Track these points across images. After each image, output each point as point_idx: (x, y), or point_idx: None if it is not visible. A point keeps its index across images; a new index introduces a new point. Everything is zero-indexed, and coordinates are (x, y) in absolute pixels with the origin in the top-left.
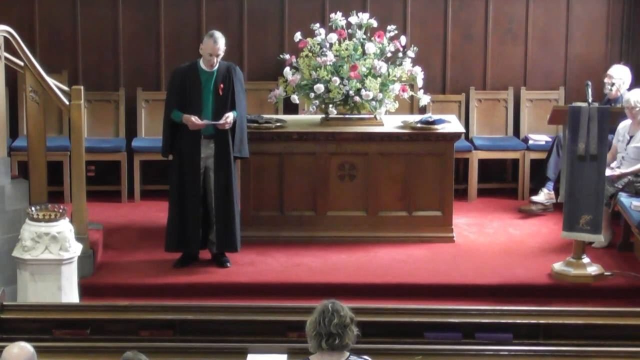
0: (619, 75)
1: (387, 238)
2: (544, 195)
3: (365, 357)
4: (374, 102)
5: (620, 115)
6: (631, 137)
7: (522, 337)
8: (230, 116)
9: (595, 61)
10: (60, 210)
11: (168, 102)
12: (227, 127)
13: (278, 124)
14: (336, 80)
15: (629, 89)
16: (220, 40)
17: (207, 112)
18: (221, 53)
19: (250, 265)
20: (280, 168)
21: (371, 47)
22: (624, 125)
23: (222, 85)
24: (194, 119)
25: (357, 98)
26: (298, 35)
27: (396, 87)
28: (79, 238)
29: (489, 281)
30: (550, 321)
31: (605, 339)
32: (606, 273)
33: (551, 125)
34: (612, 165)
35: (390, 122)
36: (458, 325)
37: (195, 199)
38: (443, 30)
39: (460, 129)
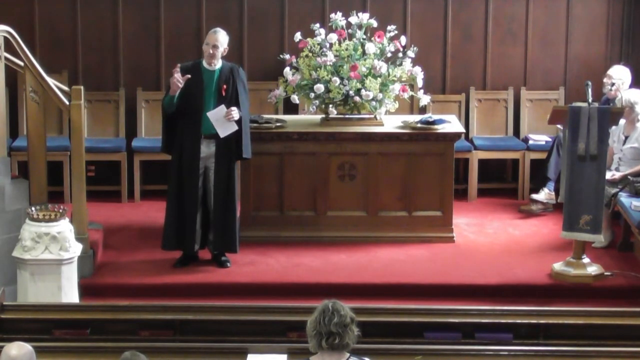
0: (619, 75)
1: (387, 238)
2: (544, 195)
3: (366, 358)
4: (374, 102)
5: (620, 115)
6: (626, 137)
7: (522, 337)
8: (235, 110)
9: (595, 61)
10: (60, 210)
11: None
12: (234, 115)
13: (278, 124)
14: (336, 80)
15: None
16: (220, 33)
17: (208, 111)
18: (220, 46)
19: (250, 265)
20: (280, 168)
21: (371, 47)
22: (617, 125)
23: (225, 86)
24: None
25: (357, 98)
26: (298, 35)
27: (396, 87)
28: (79, 238)
29: (489, 281)
30: (550, 321)
31: (605, 339)
32: (606, 273)
33: (551, 125)
34: (612, 168)
35: (390, 122)
36: (458, 325)
37: (194, 199)
38: (443, 30)
39: (460, 129)
